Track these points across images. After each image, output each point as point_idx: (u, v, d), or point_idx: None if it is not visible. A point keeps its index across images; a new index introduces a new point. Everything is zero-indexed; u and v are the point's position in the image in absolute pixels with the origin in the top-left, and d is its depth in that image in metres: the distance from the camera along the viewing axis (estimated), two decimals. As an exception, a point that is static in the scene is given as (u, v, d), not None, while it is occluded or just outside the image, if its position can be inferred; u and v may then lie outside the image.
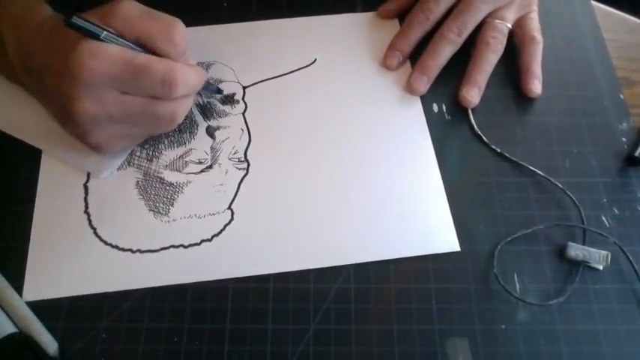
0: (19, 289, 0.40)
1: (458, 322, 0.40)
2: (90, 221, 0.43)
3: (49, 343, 0.38)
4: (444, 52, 0.49)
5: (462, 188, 0.45)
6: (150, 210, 0.43)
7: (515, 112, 0.49)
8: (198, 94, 0.48)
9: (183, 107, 0.42)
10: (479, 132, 0.47)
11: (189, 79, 0.40)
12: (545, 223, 0.43)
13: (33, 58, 0.40)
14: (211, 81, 0.49)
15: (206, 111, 0.48)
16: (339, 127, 0.47)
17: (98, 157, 0.44)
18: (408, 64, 0.51)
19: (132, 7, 0.39)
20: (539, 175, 0.45)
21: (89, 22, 0.37)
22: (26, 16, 0.41)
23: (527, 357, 0.39)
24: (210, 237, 0.42)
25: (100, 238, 0.42)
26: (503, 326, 0.40)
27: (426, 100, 0.49)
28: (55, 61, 0.38)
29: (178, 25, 0.40)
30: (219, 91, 0.49)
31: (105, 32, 0.37)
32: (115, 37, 0.38)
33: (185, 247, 0.42)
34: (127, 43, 0.38)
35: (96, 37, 0.37)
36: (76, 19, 0.36)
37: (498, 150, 0.46)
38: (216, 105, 0.48)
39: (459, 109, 0.49)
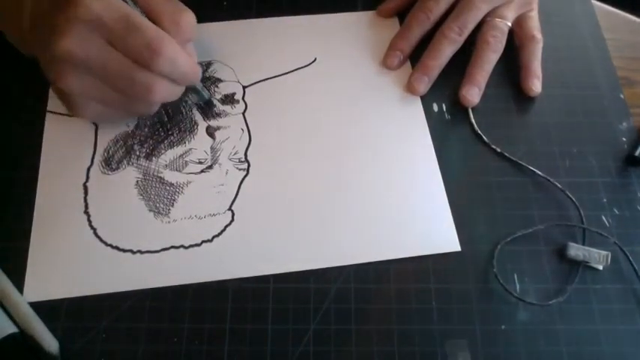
0: (19, 290, 0.40)
1: (458, 323, 0.40)
2: (90, 221, 0.43)
3: (49, 342, 0.38)
4: (444, 51, 0.49)
5: (462, 188, 0.45)
6: (150, 210, 0.43)
7: (515, 112, 0.49)
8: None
9: (161, 87, 0.40)
10: (479, 132, 0.47)
11: (176, 58, 0.39)
12: (545, 223, 0.43)
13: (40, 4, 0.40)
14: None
15: (206, 111, 0.48)
16: (339, 127, 0.47)
17: None
18: (408, 64, 0.51)
19: None
20: (539, 175, 0.45)
21: None
22: None
23: (527, 357, 0.39)
24: (210, 237, 0.42)
25: (100, 239, 0.42)
26: (503, 326, 0.40)
27: (426, 100, 0.49)
28: None
29: (188, 13, 0.41)
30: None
31: None
32: None
33: (185, 247, 0.42)
34: (136, 7, 0.39)
35: None
36: None
37: (498, 150, 0.46)
38: (216, 105, 0.48)
39: (459, 108, 0.49)
